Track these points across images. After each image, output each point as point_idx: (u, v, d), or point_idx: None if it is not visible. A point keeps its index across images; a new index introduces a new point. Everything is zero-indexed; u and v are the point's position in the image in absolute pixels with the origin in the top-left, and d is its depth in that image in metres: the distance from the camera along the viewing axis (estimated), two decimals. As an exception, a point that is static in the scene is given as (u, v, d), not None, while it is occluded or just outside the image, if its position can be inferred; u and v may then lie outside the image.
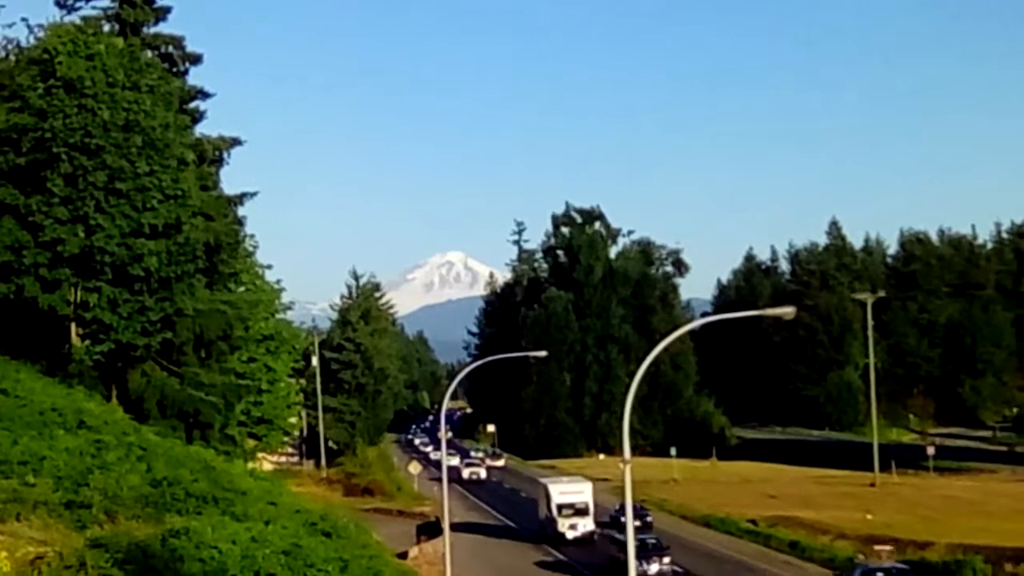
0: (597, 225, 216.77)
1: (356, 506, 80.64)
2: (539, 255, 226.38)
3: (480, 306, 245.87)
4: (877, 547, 71.22)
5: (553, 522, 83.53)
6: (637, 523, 76.86)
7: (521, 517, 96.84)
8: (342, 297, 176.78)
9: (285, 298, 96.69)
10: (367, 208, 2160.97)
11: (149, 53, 63.18)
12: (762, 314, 32.66)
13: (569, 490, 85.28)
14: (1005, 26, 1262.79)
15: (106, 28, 61.31)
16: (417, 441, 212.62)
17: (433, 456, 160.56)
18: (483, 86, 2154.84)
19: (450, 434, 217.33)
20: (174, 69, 66.76)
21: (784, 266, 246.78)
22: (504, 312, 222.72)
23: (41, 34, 54.42)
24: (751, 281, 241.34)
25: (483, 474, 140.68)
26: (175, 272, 52.05)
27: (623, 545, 77.03)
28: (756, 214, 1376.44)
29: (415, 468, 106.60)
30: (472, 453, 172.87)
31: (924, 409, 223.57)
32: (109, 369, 53.17)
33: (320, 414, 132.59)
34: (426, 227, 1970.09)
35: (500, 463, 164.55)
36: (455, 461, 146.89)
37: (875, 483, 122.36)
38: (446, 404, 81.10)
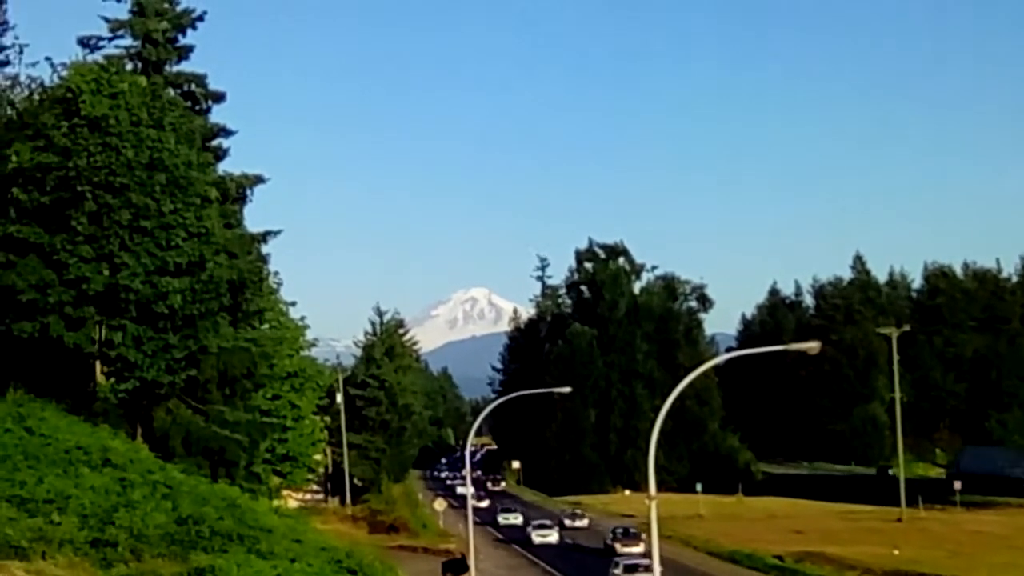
0: (620, 260, 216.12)
1: (381, 543, 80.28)
2: (563, 291, 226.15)
3: (504, 342, 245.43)
4: None
5: None
6: None
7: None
8: (366, 334, 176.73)
9: (309, 335, 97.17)
10: (391, 245, 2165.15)
11: (172, 91, 63.57)
12: (787, 349, 32.65)
13: None
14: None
15: (129, 67, 61.52)
16: (461, 490, 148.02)
17: (502, 520, 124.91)
18: (506, 122, 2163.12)
19: (502, 484, 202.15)
20: (197, 107, 67.18)
21: (808, 300, 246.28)
22: (528, 348, 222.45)
23: (64, 73, 54.51)
24: (775, 316, 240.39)
25: None
26: (199, 310, 52.02)
27: None
28: (780, 248, 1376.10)
29: (440, 505, 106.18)
30: (576, 519, 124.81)
31: (951, 443, 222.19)
32: (134, 407, 53.08)
33: (345, 451, 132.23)
34: (449, 264, 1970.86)
35: (584, 523, 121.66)
36: (553, 538, 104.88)
37: (902, 518, 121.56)
38: (471, 440, 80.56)
